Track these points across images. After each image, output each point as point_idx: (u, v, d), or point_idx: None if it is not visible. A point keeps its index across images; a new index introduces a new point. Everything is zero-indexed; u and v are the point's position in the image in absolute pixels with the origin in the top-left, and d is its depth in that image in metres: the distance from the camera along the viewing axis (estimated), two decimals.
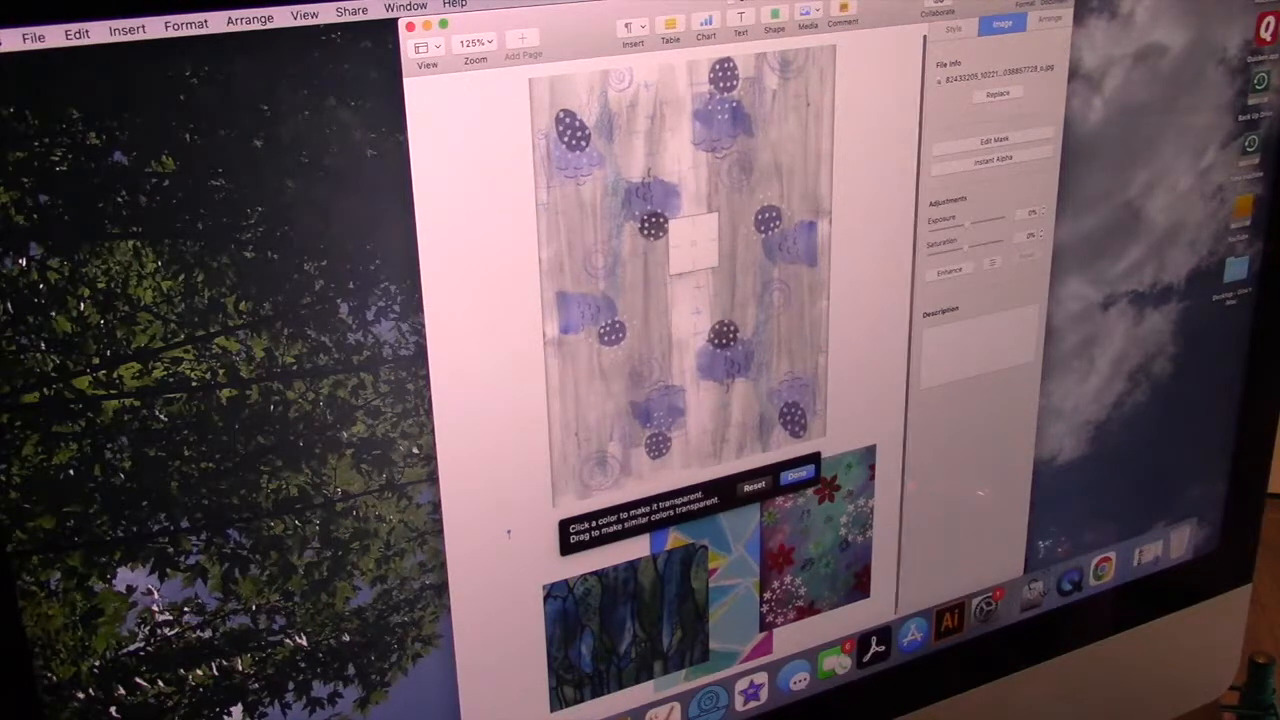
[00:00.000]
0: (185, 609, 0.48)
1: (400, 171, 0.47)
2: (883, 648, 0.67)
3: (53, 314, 0.43)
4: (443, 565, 0.53)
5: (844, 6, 0.53)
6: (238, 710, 0.51)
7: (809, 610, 0.63)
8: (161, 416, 0.46)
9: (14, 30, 0.40)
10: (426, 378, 0.50)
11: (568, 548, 0.55)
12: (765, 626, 0.62)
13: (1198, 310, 0.69)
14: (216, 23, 0.42)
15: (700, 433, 0.57)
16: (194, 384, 0.46)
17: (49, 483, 0.45)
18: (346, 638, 0.52)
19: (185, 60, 0.42)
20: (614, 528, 0.56)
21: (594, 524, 0.56)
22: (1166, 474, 0.73)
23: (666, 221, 0.53)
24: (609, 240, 0.52)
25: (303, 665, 0.51)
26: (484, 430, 0.52)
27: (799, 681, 0.65)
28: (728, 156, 0.53)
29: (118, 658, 0.48)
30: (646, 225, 0.52)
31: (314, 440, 0.49)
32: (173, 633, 0.48)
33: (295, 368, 0.47)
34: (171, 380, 0.46)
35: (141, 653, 0.48)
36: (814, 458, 0.60)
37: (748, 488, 0.59)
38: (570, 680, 0.58)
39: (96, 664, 0.47)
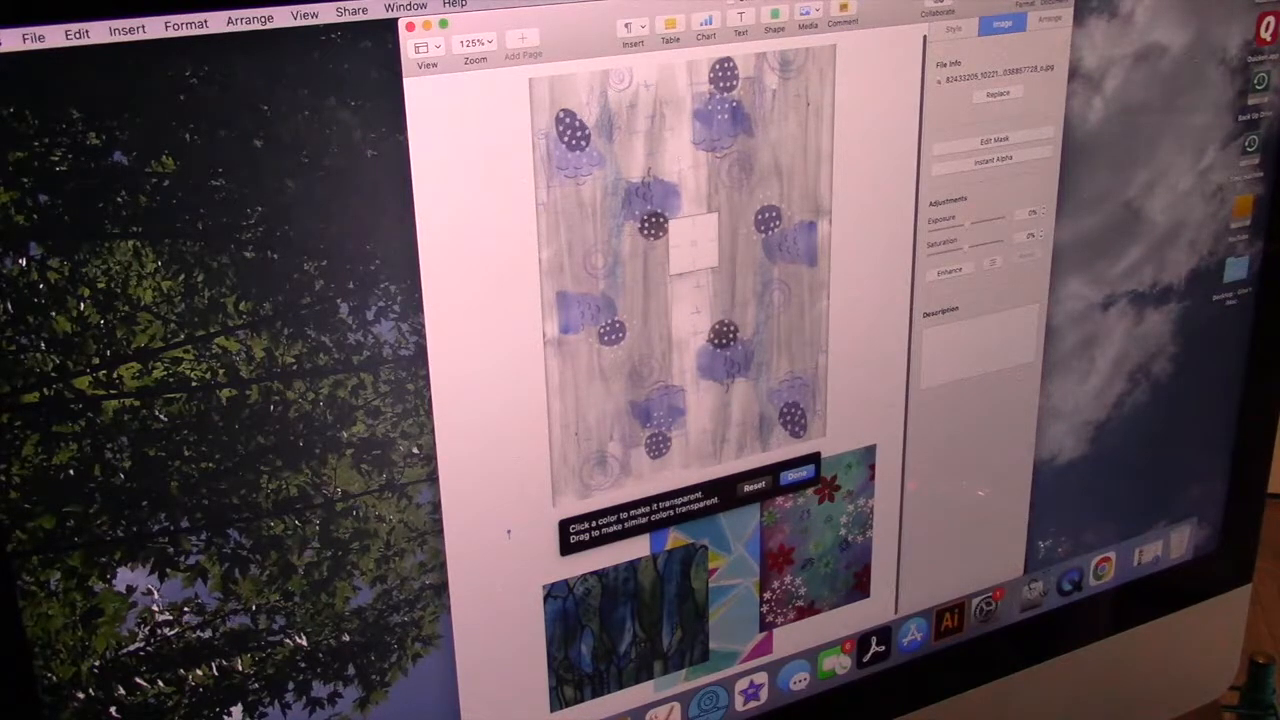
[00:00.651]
0: (185, 609, 0.48)
1: (400, 171, 0.47)
2: (883, 648, 0.67)
3: (53, 314, 0.43)
4: (443, 565, 0.53)
5: (844, 6, 0.53)
6: (238, 710, 0.51)
7: (809, 610, 0.63)
8: (161, 416, 0.46)
9: (14, 30, 0.40)
10: (426, 378, 0.50)
11: (568, 548, 0.55)
12: (765, 626, 0.62)
13: (1198, 310, 0.69)
14: (216, 23, 0.42)
15: (700, 433, 0.57)
16: (194, 384, 0.46)
17: (49, 483, 0.45)
18: (346, 638, 0.52)
19: (185, 60, 0.42)
20: (614, 528, 0.56)
21: (594, 524, 0.56)
22: (1166, 474, 0.73)
23: (666, 221, 0.53)
24: (609, 240, 0.52)
25: (303, 665, 0.51)
26: (484, 430, 0.52)
27: (799, 681, 0.65)
28: (728, 156, 0.53)
29: (118, 658, 0.48)
30: (646, 225, 0.52)
31: (314, 440, 0.49)
32: (173, 633, 0.48)
33: (295, 368, 0.47)
34: (171, 380, 0.46)
35: (141, 653, 0.48)
36: (814, 458, 0.60)
37: (748, 488, 0.59)
38: (570, 680, 0.58)
39: (96, 664, 0.47)
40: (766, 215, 0.55)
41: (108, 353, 0.44)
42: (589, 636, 0.57)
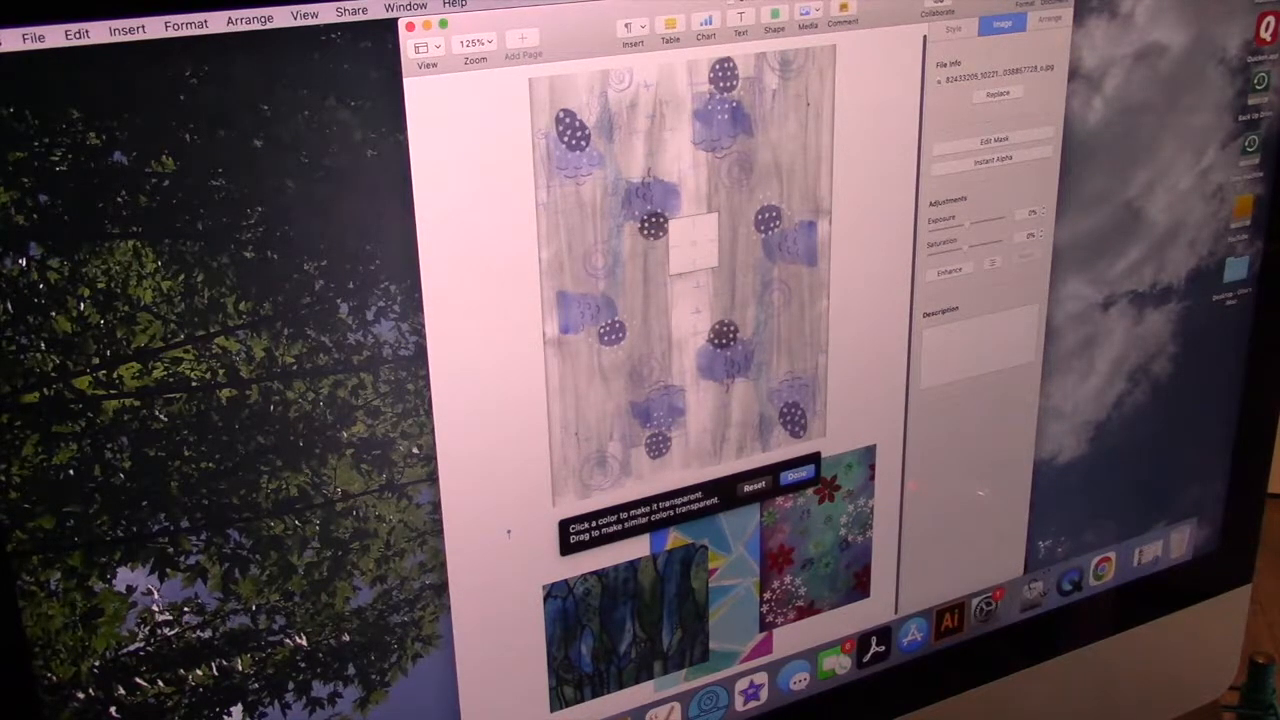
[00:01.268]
0: (185, 609, 0.48)
1: (400, 171, 0.47)
2: (883, 648, 0.67)
3: (53, 314, 0.43)
4: (443, 565, 0.53)
5: (844, 6, 0.53)
6: (238, 710, 0.51)
7: (809, 610, 0.63)
8: (161, 416, 0.46)
9: (14, 30, 0.40)
10: (426, 378, 0.50)
11: (568, 548, 0.55)
12: (765, 626, 0.62)
13: (1198, 310, 0.69)
14: (216, 23, 0.42)
15: (700, 432, 0.57)
16: (194, 384, 0.46)
17: (49, 483, 0.45)
18: (346, 638, 0.52)
19: (185, 60, 0.42)
20: (614, 528, 0.56)
21: (594, 524, 0.56)
22: (1166, 474, 0.73)
23: (666, 221, 0.53)
24: (609, 240, 0.52)
25: (303, 665, 0.51)
26: (484, 430, 0.52)
27: (799, 681, 0.65)
28: (728, 156, 0.53)
29: (118, 658, 0.48)
30: (646, 225, 0.52)
31: (314, 440, 0.49)
32: (173, 633, 0.48)
33: (295, 368, 0.47)
34: (171, 380, 0.46)
35: (141, 653, 0.48)
36: (814, 458, 0.60)
37: (748, 488, 0.59)
38: (570, 680, 0.58)
39: (96, 664, 0.47)
40: (766, 215, 0.55)
41: (108, 353, 0.44)
42: (589, 636, 0.57)
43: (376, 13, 0.45)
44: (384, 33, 0.45)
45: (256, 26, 0.43)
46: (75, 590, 0.46)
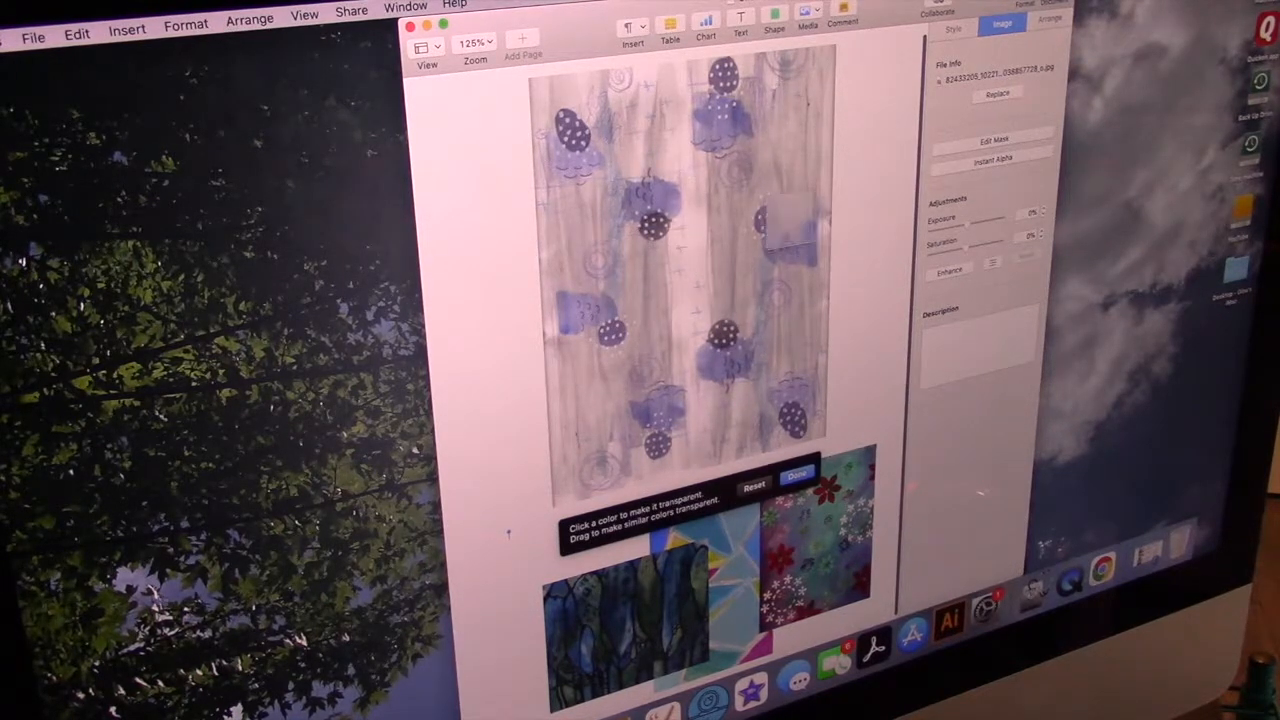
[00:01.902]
0: (185, 609, 0.48)
1: (400, 171, 0.47)
2: (883, 648, 0.67)
3: (53, 314, 0.43)
4: (443, 565, 0.53)
5: (844, 6, 0.53)
6: (238, 710, 0.51)
7: (809, 610, 0.63)
8: (161, 416, 0.46)
9: (14, 30, 0.40)
10: (426, 378, 0.50)
11: (568, 548, 0.55)
12: (765, 626, 0.62)
13: (1198, 310, 0.69)
14: (216, 23, 0.42)
15: (700, 433, 0.57)
16: (194, 384, 0.46)
17: (49, 483, 0.45)
18: (346, 638, 0.52)
19: (185, 60, 0.42)
20: (614, 528, 0.56)
21: (594, 524, 0.56)
22: (1166, 474, 0.73)
23: (666, 221, 0.53)
24: (609, 240, 0.52)
25: (303, 665, 0.51)
26: (484, 430, 0.52)
27: (799, 681, 0.65)
28: (728, 156, 0.53)
29: (118, 658, 0.48)
30: (646, 225, 0.52)
31: (314, 440, 0.49)
32: (173, 633, 0.48)
33: (295, 368, 0.47)
34: (171, 380, 0.46)
35: (141, 653, 0.48)
36: (814, 458, 0.60)
37: (748, 488, 0.59)
38: (570, 680, 0.58)
39: (96, 664, 0.47)
40: (767, 215, 0.55)
41: (108, 353, 0.44)
42: (589, 636, 0.57)
43: (376, 13, 0.45)
44: (384, 33, 0.45)
45: (256, 26, 0.43)
46: (75, 590, 0.46)
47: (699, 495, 0.58)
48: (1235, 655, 0.80)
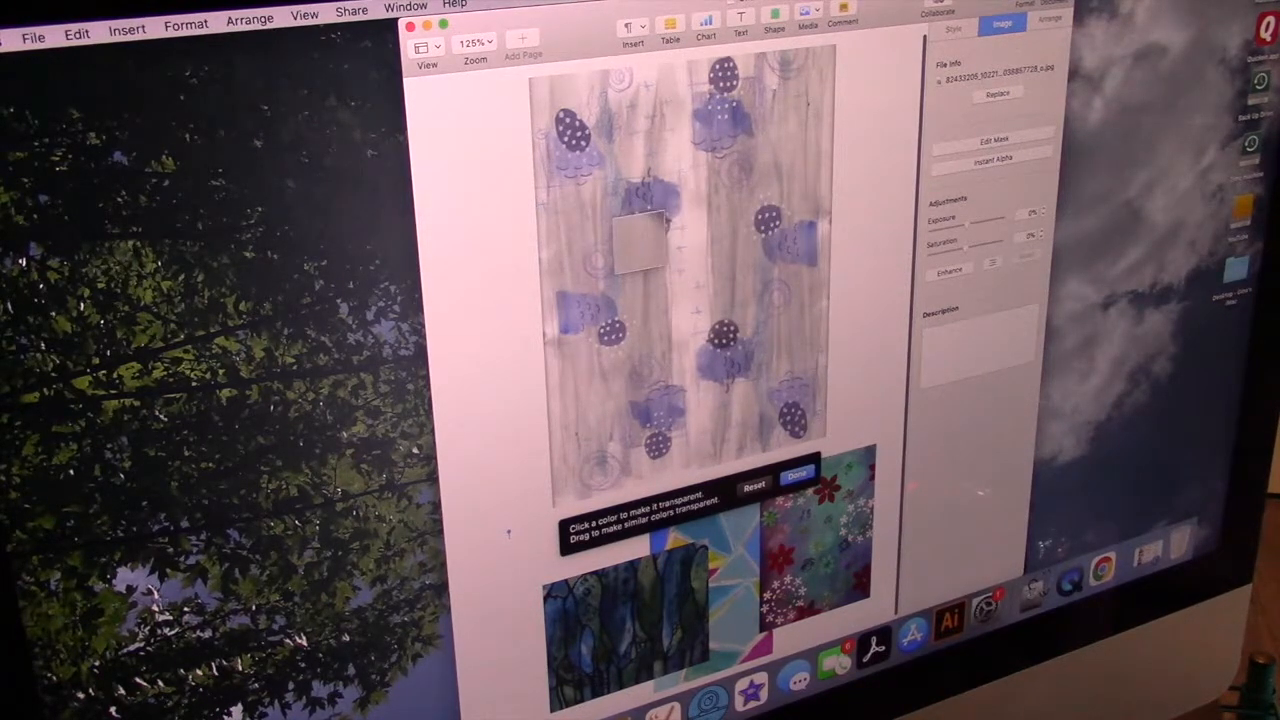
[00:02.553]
0: (185, 609, 0.48)
1: (400, 171, 0.47)
2: (883, 648, 0.67)
3: (53, 314, 0.43)
4: (443, 565, 0.53)
5: (844, 6, 0.53)
6: (238, 710, 0.51)
7: (809, 610, 0.63)
8: (161, 416, 0.46)
9: (14, 30, 0.40)
10: (426, 378, 0.50)
11: (568, 548, 0.55)
12: (765, 626, 0.62)
13: (1198, 310, 0.69)
14: (216, 23, 0.42)
15: (700, 432, 0.57)
16: (194, 384, 0.46)
17: (49, 483, 0.45)
18: (346, 638, 0.52)
19: (185, 60, 0.42)
20: (614, 528, 0.56)
21: (594, 524, 0.56)
22: (1166, 474, 0.73)
23: (667, 221, 0.53)
24: (609, 240, 0.52)
25: (303, 665, 0.51)
26: (484, 430, 0.52)
27: (799, 681, 0.65)
28: (728, 156, 0.53)
29: (118, 658, 0.48)
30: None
31: (314, 440, 0.49)
32: (173, 633, 0.48)
33: (295, 368, 0.47)
34: (171, 380, 0.46)
35: (141, 653, 0.48)
36: (814, 458, 0.60)
37: (748, 488, 0.59)
38: (570, 680, 0.58)
39: (96, 664, 0.47)
40: (766, 215, 0.55)
41: (108, 353, 0.44)
42: (589, 636, 0.57)
43: (376, 13, 0.45)
44: (384, 33, 0.45)
45: (256, 26, 0.43)
46: (75, 590, 0.46)
47: (699, 495, 0.58)
48: (1235, 655, 0.80)
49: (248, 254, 0.45)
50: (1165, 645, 0.77)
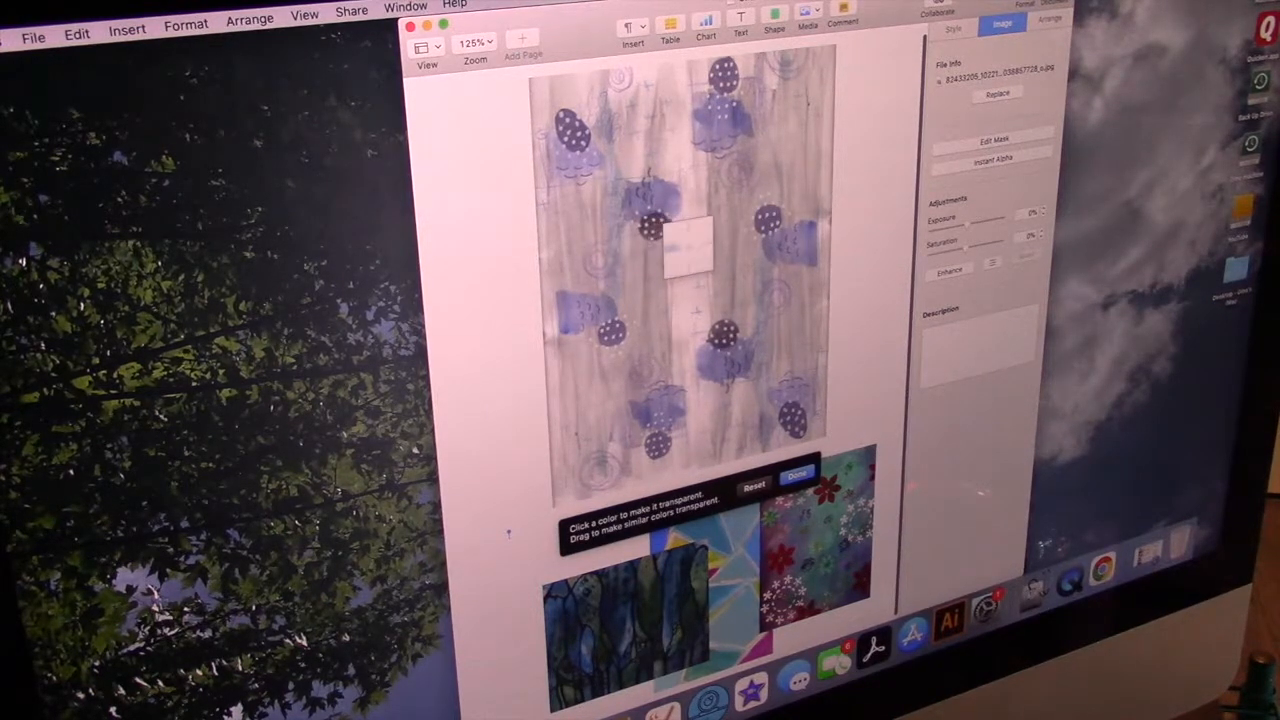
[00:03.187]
0: (185, 609, 0.48)
1: (400, 171, 0.47)
2: (883, 648, 0.67)
3: (53, 314, 0.43)
4: (443, 565, 0.53)
5: (844, 6, 0.53)
6: (238, 710, 0.51)
7: (809, 610, 0.63)
8: (161, 416, 0.46)
9: (14, 30, 0.40)
10: (426, 378, 0.50)
11: (568, 548, 0.55)
12: (765, 626, 0.62)
13: (1198, 310, 0.69)
14: (216, 23, 0.42)
15: (700, 432, 0.57)
16: (194, 384, 0.46)
17: (49, 483, 0.45)
18: (346, 638, 0.52)
19: (185, 60, 0.42)
20: (614, 528, 0.56)
21: (594, 524, 0.56)
22: (1166, 474, 0.73)
23: (666, 221, 0.53)
24: (609, 240, 0.52)
25: (303, 665, 0.51)
26: (484, 430, 0.52)
27: (799, 681, 0.65)
28: (728, 156, 0.53)
29: (118, 658, 0.48)
30: (646, 225, 0.52)
31: (314, 440, 0.49)
32: (173, 633, 0.48)
33: (295, 368, 0.47)
34: (171, 380, 0.46)
35: (141, 653, 0.48)
36: (814, 458, 0.60)
37: (748, 488, 0.59)
38: (570, 680, 0.58)
39: (96, 664, 0.47)
40: (766, 215, 0.55)
41: (108, 353, 0.44)
42: (589, 636, 0.57)
43: (376, 13, 0.45)
44: (384, 33, 0.45)
45: (256, 26, 0.43)
46: (75, 590, 0.46)
47: (699, 495, 0.58)
48: (1235, 655, 0.80)
49: (248, 254, 0.45)
50: (1165, 645, 0.77)
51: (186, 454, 0.47)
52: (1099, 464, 0.69)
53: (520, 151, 0.49)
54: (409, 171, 0.47)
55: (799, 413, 0.59)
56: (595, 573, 0.57)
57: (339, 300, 0.47)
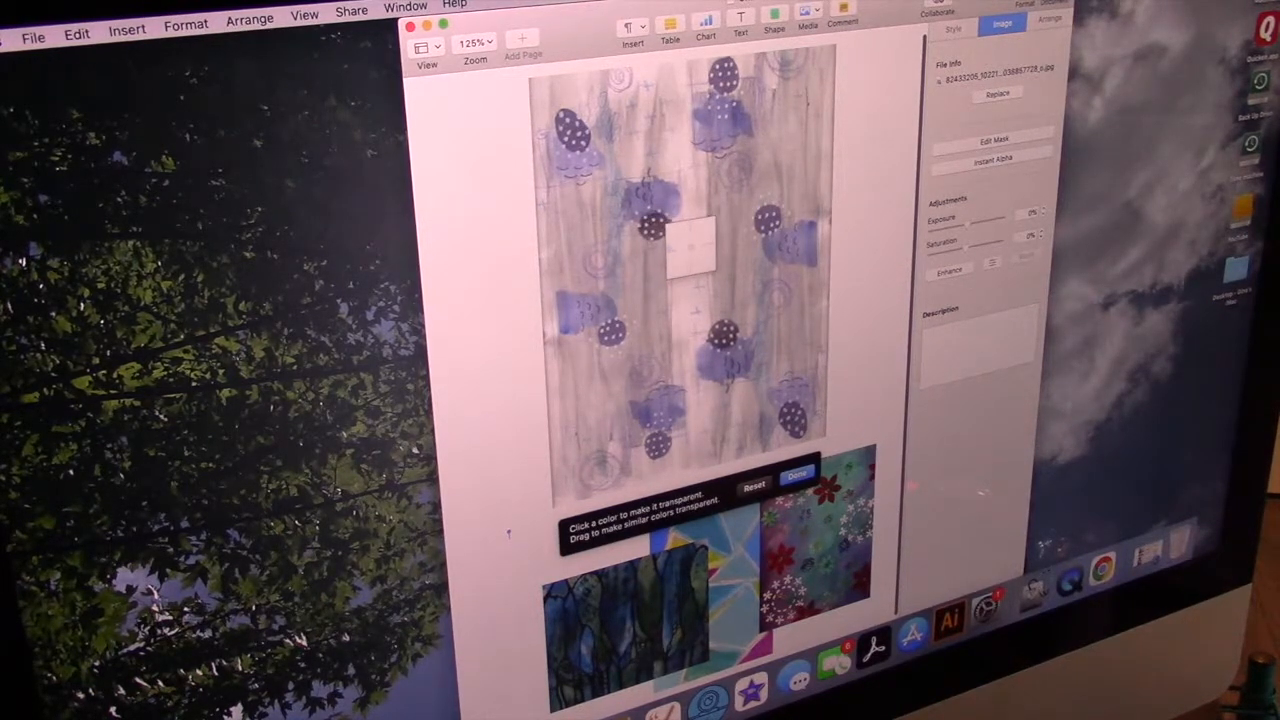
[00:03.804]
0: (185, 609, 0.48)
1: (400, 171, 0.47)
2: (883, 648, 0.67)
3: (53, 314, 0.43)
4: (443, 565, 0.53)
5: (844, 6, 0.53)
6: (238, 710, 0.51)
7: (809, 610, 0.63)
8: (161, 416, 0.46)
9: (14, 30, 0.40)
10: (426, 378, 0.50)
11: (568, 548, 0.55)
12: (765, 626, 0.62)
13: (1198, 310, 0.69)
14: (216, 23, 0.42)
15: (700, 432, 0.57)
16: (194, 384, 0.46)
17: (49, 483, 0.45)
18: (346, 638, 0.52)
19: (185, 60, 0.42)
20: (614, 528, 0.56)
21: (594, 524, 0.56)
22: (1166, 474, 0.73)
23: (666, 221, 0.53)
24: (609, 240, 0.52)
25: (303, 665, 0.51)
26: (484, 430, 0.52)
27: (799, 681, 0.65)
28: (728, 156, 0.53)
29: (118, 658, 0.48)
30: (646, 225, 0.52)
31: (314, 440, 0.49)
32: (173, 633, 0.48)
33: (295, 368, 0.47)
34: (171, 380, 0.46)
35: (141, 653, 0.48)
36: (814, 458, 0.60)
37: (748, 488, 0.59)
38: (570, 680, 0.58)
39: (96, 664, 0.47)
40: (766, 215, 0.55)
41: (108, 353, 0.44)
42: (589, 636, 0.57)
43: (376, 13, 0.45)
44: (384, 33, 0.45)
45: (256, 26, 0.43)
46: (75, 590, 0.46)
47: (699, 495, 0.58)
48: (1235, 655, 0.80)
49: (248, 254, 0.45)
50: (1165, 645, 0.77)
51: (186, 454, 0.47)
52: (1099, 464, 0.69)
53: (520, 151, 0.49)
54: (409, 171, 0.47)
55: (799, 413, 0.59)
56: (595, 573, 0.57)
57: (339, 300, 0.47)
